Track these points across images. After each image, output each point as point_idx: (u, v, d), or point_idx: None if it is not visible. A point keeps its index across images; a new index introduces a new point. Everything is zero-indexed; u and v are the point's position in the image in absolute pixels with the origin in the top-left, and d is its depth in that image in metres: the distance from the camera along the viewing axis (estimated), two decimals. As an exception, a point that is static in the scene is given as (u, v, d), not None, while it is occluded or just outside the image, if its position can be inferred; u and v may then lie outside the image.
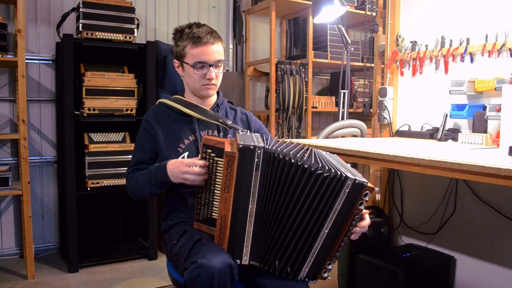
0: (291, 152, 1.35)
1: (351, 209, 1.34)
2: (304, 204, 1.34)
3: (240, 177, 1.33)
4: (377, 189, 1.41)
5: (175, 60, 1.66)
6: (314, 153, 1.41)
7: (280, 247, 1.37)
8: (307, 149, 1.44)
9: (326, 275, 1.41)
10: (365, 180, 1.33)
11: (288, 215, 1.35)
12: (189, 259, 1.34)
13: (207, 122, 1.64)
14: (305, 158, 1.34)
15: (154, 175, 1.51)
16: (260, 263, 1.39)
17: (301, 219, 1.35)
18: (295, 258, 1.38)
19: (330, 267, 1.40)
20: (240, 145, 1.31)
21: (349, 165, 1.43)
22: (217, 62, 1.59)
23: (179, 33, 1.62)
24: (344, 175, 1.31)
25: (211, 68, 1.58)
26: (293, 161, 1.33)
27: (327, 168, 1.32)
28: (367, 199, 1.34)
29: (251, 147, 1.32)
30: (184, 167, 1.42)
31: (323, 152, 1.47)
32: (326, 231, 1.35)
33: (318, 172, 1.31)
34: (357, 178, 1.32)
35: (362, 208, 1.35)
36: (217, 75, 1.61)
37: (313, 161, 1.34)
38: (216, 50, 1.58)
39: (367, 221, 1.42)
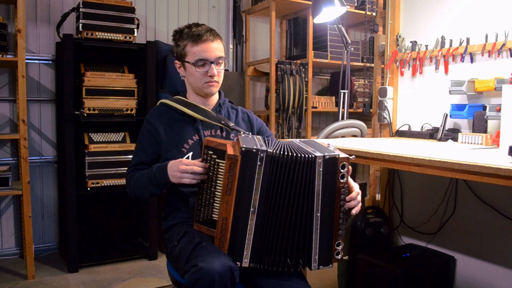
0: (283, 151, 1.36)
1: (334, 185, 1.36)
2: (292, 196, 1.36)
3: (242, 180, 1.33)
4: (352, 156, 1.41)
5: (176, 61, 1.67)
6: (287, 145, 1.42)
7: (282, 243, 1.38)
8: (281, 144, 1.45)
9: (339, 257, 1.41)
10: (336, 153, 1.35)
11: (285, 211, 1.37)
12: (190, 262, 1.34)
13: (210, 123, 1.64)
14: (286, 153, 1.36)
15: (155, 175, 1.51)
16: (261, 265, 1.39)
17: (293, 210, 1.37)
18: (301, 250, 1.38)
19: (340, 248, 1.41)
20: (243, 148, 1.31)
21: (325, 144, 1.44)
22: (218, 59, 1.61)
23: (178, 34, 1.64)
24: (312, 155, 1.34)
25: (212, 65, 1.59)
26: (289, 160, 1.35)
27: (298, 155, 1.35)
28: (346, 170, 1.36)
29: (254, 150, 1.32)
30: (183, 166, 1.42)
31: (296, 141, 1.49)
32: (319, 214, 1.36)
33: (290, 161, 1.34)
34: (326, 154, 1.33)
35: (345, 181, 1.36)
36: (218, 72, 1.62)
37: (290, 153, 1.36)
38: (216, 47, 1.60)
39: (355, 191, 1.42)
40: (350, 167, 1.37)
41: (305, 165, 1.35)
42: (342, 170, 1.35)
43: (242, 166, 1.32)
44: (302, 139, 1.53)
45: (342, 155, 1.36)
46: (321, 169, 1.34)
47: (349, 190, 1.41)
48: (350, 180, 1.43)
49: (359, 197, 1.43)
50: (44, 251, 3.23)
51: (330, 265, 1.41)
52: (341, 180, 1.36)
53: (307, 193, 1.36)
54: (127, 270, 2.96)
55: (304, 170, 1.35)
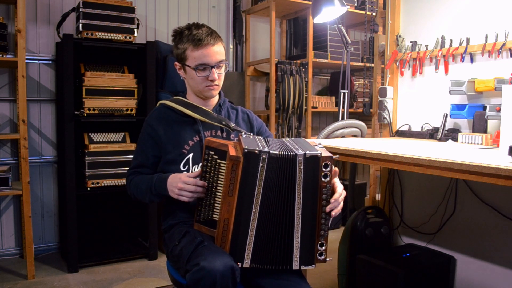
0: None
1: (316, 184, 1.35)
2: (277, 194, 1.36)
3: (244, 181, 1.32)
4: (336, 156, 1.40)
5: (176, 63, 1.65)
6: (275, 143, 1.42)
7: (274, 242, 1.38)
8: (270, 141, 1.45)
9: (322, 258, 1.40)
10: (318, 152, 1.34)
11: (274, 210, 1.37)
12: (191, 261, 1.34)
13: (210, 123, 1.64)
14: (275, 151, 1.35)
15: (155, 185, 1.53)
16: (260, 264, 1.39)
17: (279, 208, 1.36)
18: (283, 247, 1.38)
19: (323, 249, 1.39)
20: (245, 150, 1.31)
21: (313, 143, 1.43)
22: (219, 63, 1.60)
23: (178, 36, 1.61)
24: (293, 153, 1.33)
25: (213, 69, 1.58)
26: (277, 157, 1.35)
27: (281, 152, 1.34)
28: (329, 169, 1.34)
29: (256, 151, 1.32)
30: (182, 183, 1.43)
31: (285, 140, 1.48)
32: (300, 213, 1.36)
33: (277, 158, 1.34)
34: (307, 152, 1.33)
35: (328, 180, 1.35)
36: (219, 75, 1.61)
37: (277, 151, 1.35)
38: (217, 51, 1.58)
39: (338, 191, 1.41)
40: (336, 168, 1.36)
41: (286, 163, 1.35)
42: (324, 169, 1.34)
43: (244, 167, 1.32)
44: (292, 138, 1.52)
45: (325, 153, 1.35)
46: (301, 167, 1.34)
47: (333, 191, 1.40)
48: (336, 180, 1.42)
49: (341, 198, 1.41)
50: (44, 251, 3.23)
51: (313, 266, 1.40)
52: (324, 180, 1.35)
53: (289, 191, 1.36)
54: (127, 270, 2.96)
55: (286, 167, 1.35)
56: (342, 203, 1.42)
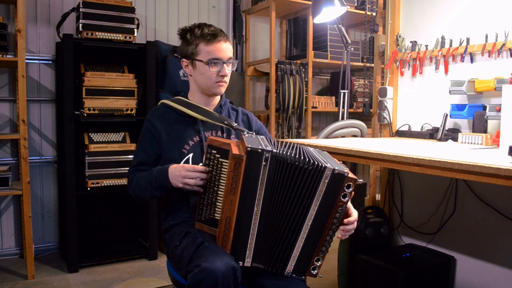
0: (294, 155, 1.35)
1: (334, 201, 1.34)
2: (288, 198, 1.36)
3: (246, 180, 1.32)
4: (360, 180, 1.40)
5: (183, 60, 1.66)
6: (302, 149, 1.42)
7: (274, 244, 1.38)
8: (296, 147, 1.44)
9: (315, 272, 1.40)
10: (345, 170, 1.33)
11: (281, 213, 1.37)
12: (192, 262, 1.34)
13: (211, 123, 1.64)
14: (297, 156, 1.35)
15: (155, 178, 1.52)
16: (263, 265, 1.40)
17: (288, 213, 1.36)
18: (282, 252, 1.38)
19: (319, 264, 1.40)
20: (248, 148, 1.31)
21: (337, 160, 1.43)
22: (230, 60, 1.63)
23: (189, 32, 1.64)
24: (323, 165, 1.32)
25: (224, 65, 1.60)
26: (297, 163, 1.34)
27: (309, 160, 1.34)
28: (350, 191, 1.34)
29: (259, 150, 1.32)
30: (185, 171, 1.43)
31: (310, 149, 1.48)
32: (310, 224, 1.35)
33: (298, 165, 1.34)
34: (336, 168, 1.32)
35: (346, 200, 1.35)
36: (228, 72, 1.64)
37: (302, 158, 1.35)
38: (229, 48, 1.63)
39: (353, 216, 1.43)
40: (353, 192, 1.36)
41: (311, 173, 1.34)
42: (346, 190, 1.34)
43: (247, 166, 1.32)
44: (317, 150, 1.51)
45: (351, 175, 1.34)
46: (326, 181, 1.33)
47: (347, 213, 1.41)
48: (350, 205, 1.43)
49: (355, 225, 1.43)
50: (44, 251, 3.23)
51: (303, 277, 1.41)
52: (342, 199, 1.34)
53: (305, 200, 1.35)
54: (127, 270, 2.96)
55: (310, 177, 1.34)
56: (353, 231, 1.43)
